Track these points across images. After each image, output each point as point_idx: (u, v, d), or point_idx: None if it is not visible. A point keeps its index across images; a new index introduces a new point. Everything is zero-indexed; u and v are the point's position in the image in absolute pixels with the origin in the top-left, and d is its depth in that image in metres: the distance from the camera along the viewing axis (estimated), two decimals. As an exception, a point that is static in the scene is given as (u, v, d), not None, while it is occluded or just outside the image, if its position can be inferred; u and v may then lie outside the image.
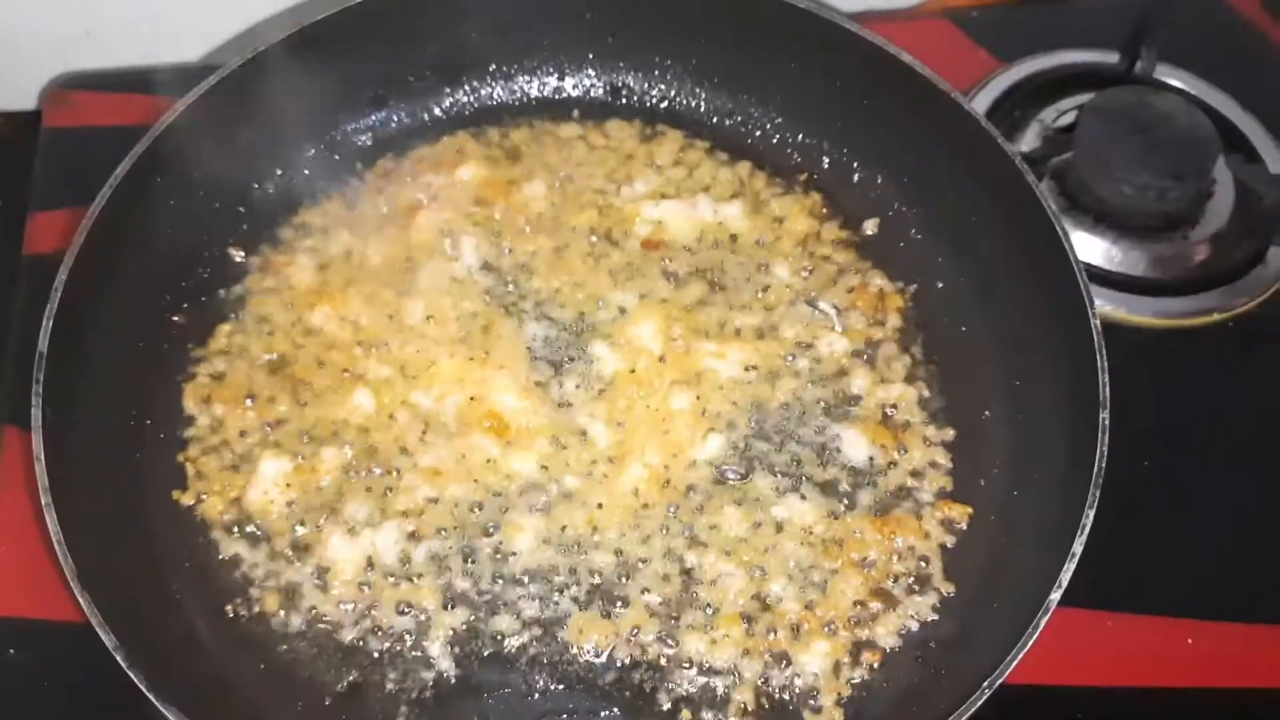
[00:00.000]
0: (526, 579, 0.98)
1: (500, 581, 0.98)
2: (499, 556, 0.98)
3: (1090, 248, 1.23)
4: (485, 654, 0.95)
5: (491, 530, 0.99)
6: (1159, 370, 1.18)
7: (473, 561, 0.98)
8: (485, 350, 1.07)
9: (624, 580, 0.98)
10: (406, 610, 0.96)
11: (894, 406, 1.07)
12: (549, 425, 1.03)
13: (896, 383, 1.08)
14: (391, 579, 0.96)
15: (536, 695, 0.94)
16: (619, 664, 0.95)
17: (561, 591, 0.97)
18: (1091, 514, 0.87)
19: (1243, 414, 1.17)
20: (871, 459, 1.04)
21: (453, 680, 0.94)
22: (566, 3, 1.17)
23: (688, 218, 1.17)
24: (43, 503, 0.86)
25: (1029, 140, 1.30)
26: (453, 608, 0.96)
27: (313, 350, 1.07)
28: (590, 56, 1.22)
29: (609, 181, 1.18)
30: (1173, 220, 1.24)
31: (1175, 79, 1.36)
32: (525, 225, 1.15)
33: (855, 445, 1.05)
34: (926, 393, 1.08)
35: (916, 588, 0.99)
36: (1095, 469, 0.88)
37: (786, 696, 0.94)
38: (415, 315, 1.08)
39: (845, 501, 1.02)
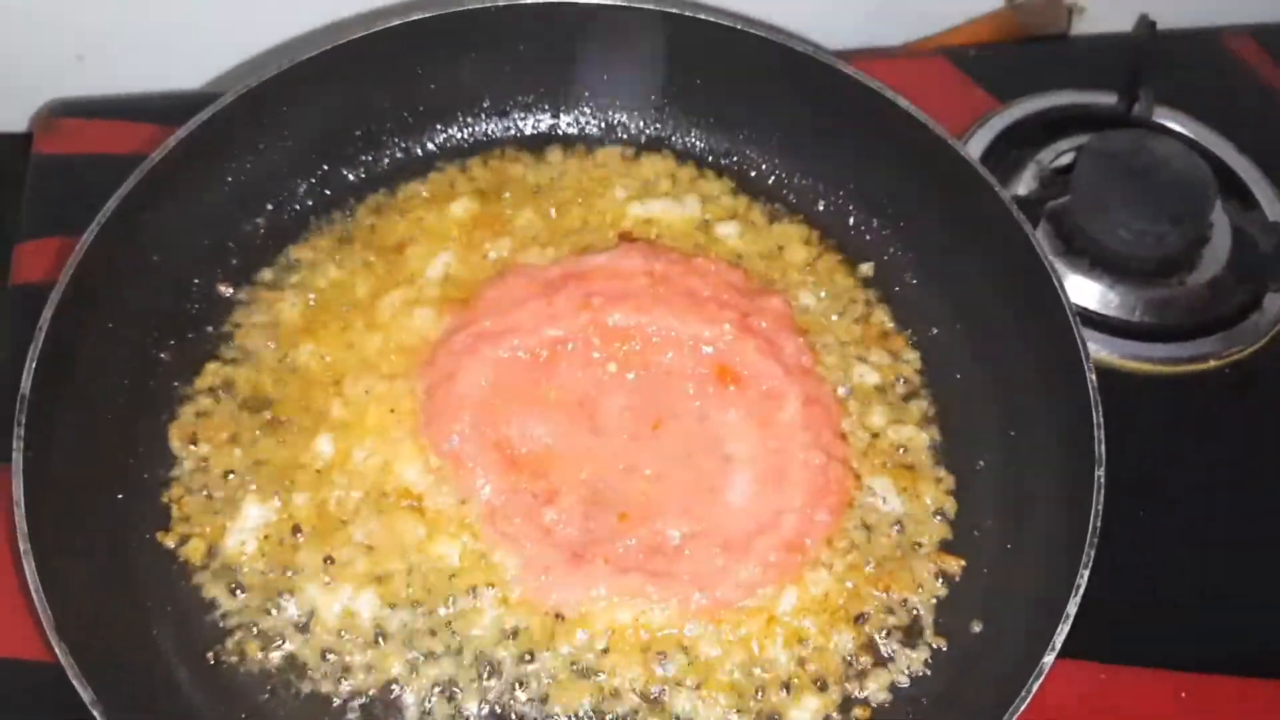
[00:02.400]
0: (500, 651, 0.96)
1: (468, 655, 0.95)
2: (460, 639, 0.96)
3: (1086, 291, 1.23)
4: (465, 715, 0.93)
5: (452, 605, 0.97)
6: (1153, 417, 1.17)
7: (436, 635, 0.96)
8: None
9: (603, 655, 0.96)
10: (374, 672, 0.94)
11: (907, 447, 1.06)
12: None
13: (909, 424, 1.07)
14: (362, 640, 0.95)
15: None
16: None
17: (543, 665, 0.95)
18: (1086, 574, 0.87)
19: (1238, 463, 1.16)
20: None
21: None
22: (561, 43, 1.16)
23: (678, 214, 1.16)
24: (21, 549, 0.85)
25: (1026, 182, 1.29)
26: (422, 674, 0.94)
27: (295, 389, 1.05)
28: (585, 94, 1.21)
29: (596, 194, 1.18)
30: (1169, 265, 1.24)
31: (1174, 122, 1.35)
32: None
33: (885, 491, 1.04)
34: (939, 437, 1.07)
35: (908, 642, 0.97)
36: (1090, 528, 0.88)
37: (776, 750, 0.93)
38: (370, 350, 1.07)
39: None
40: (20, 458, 0.87)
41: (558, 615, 0.96)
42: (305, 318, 1.09)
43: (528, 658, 0.95)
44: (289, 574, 0.96)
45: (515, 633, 0.96)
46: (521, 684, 0.94)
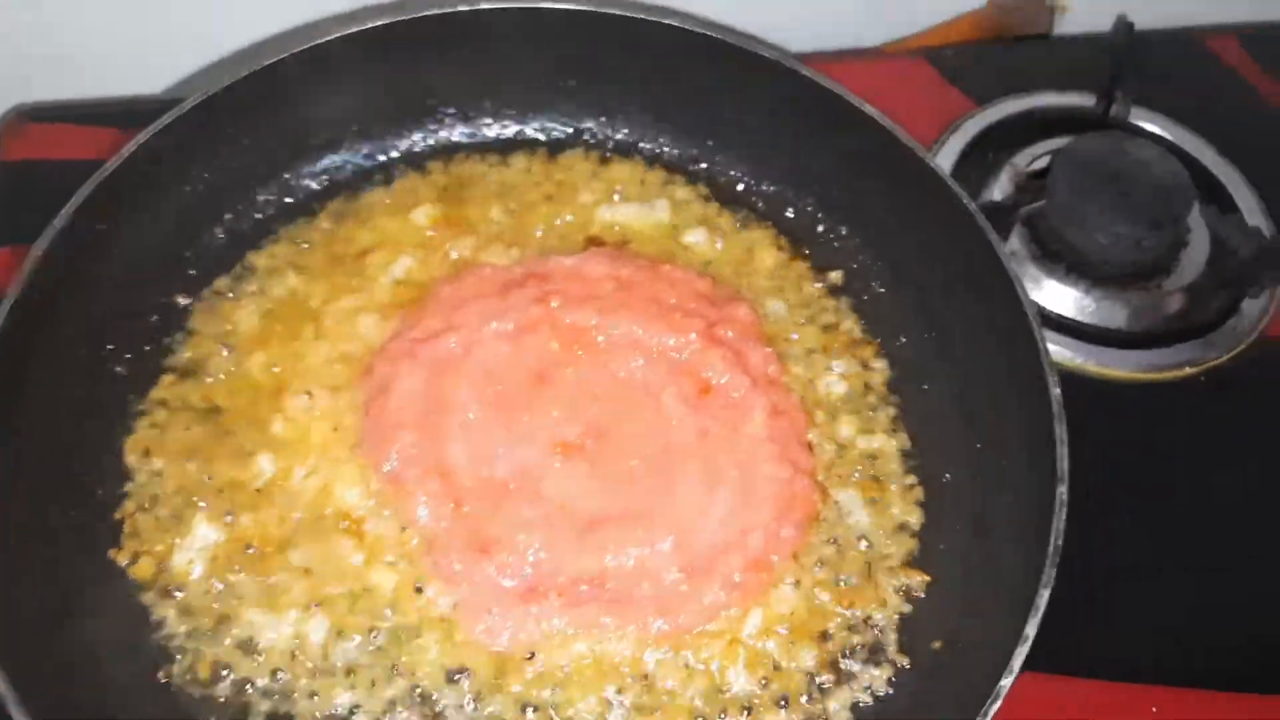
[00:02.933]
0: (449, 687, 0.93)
1: (415, 691, 0.93)
2: (406, 674, 0.93)
3: (1062, 297, 1.21)
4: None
5: (395, 639, 0.94)
6: (1129, 425, 1.16)
7: (382, 668, 0.93)
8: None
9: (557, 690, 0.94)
10: (323, 699, 0.92)
11: (875, 457, 1.04)
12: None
13: (878, 433, 1.06)
14: (311, 665, 0.93)
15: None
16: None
17: (492, 707, 0.93)
18: (1046, 594, 0.85)
19: (1214, 471, 1.14)
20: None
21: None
22: (528, 50, 1.15)
23: (648, 219, 1.15)
24: (-34, 570, 0.84)
25: (1002, 186, 1.28)
26: (371, 703, 0.92)
27: (244, 402, 1.03)
28: (552, 101, 1.20)
29: (564, 198, 1.16)
30: (1146, 270, 1.22)
31: (1152, 124, 1.34)
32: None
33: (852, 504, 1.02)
34: (908, 444, 1.05)
35: (871, 660, 0.96)
36: (1051, 548, 0.86)
37: (736, 769, 0.92)
38: (316, 360, 1.05)
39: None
40: (-33, 471, 0.86)
41: (505, 655, 0.94)
42: (261, 327, 1.07)
43: (473, 703, 0.92)
44: (234, 597, 0.95)
45: (460, 672, 0.93)
46: (469, 724, 0.92)
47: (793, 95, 1.09)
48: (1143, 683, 1.02)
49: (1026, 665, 0.84)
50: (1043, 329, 0.95)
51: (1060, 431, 0.90)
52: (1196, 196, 1.21)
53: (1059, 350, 1.17)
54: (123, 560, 0.96)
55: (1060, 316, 1.20)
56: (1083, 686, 1.02)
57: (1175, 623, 1.06)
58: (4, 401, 0.92)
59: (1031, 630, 0.84)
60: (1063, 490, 0.88)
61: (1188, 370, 1.19)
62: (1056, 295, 1.21)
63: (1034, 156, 1.30)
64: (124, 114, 1.25)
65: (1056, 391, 0.92)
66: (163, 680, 0.92)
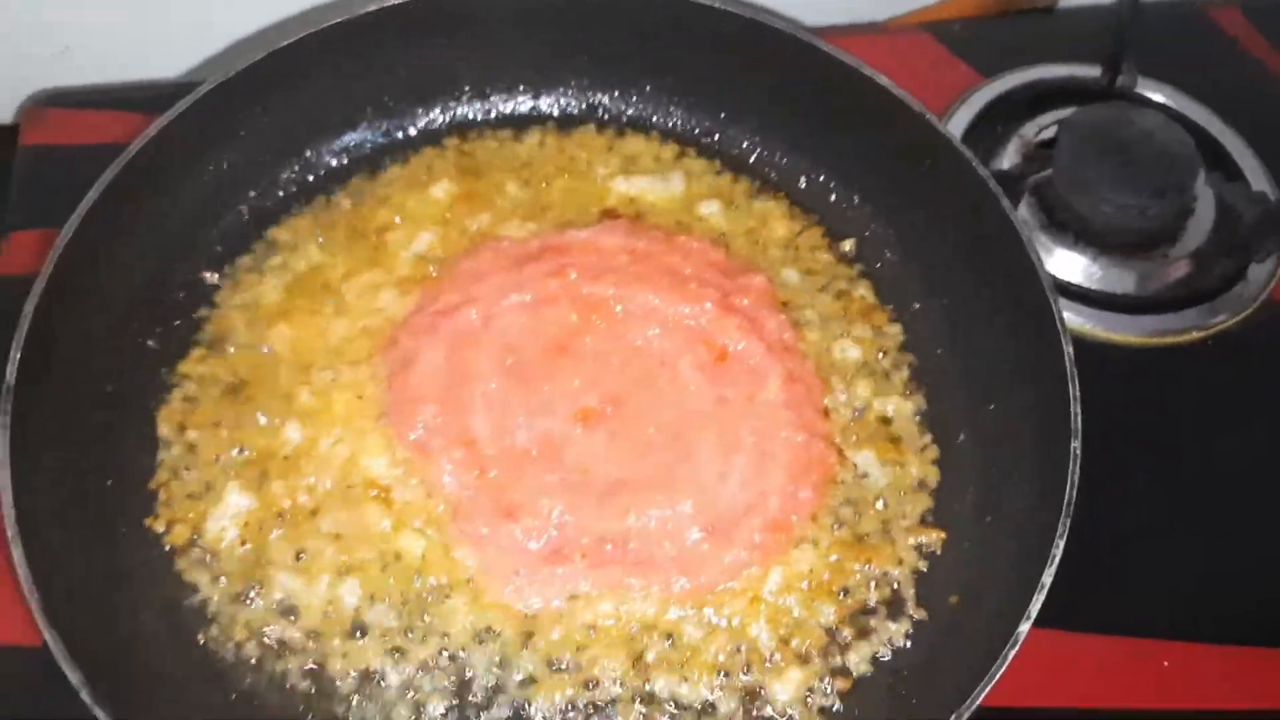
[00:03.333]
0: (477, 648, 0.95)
1: (445, 652, 0.95)
2: (436, 636, 0.95)
3: (1070, 265, 1.23)
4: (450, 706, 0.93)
5: (425, 601, 0.96)
6: (1137, 389, 1.17)
7: (414, 629, 0.96)
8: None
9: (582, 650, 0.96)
10: (355, 659, 0.94)
11: (890, 420, 1.06)
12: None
13: (893, 395, 1.08)
14: (342, 629, 0.95)
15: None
16: (582, 707, 0.94)
17: (520, 666, 0.95)
18: (1061, 544, 0.87)
19: (1221, 434, 1.16)
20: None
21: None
22: (542, 25, 1.16)
23: (662, 191, 1.17)
24: (9, 534, 0.86)
25: (1009, 156, 1.29)
26: (403, 664, 0.94)
27: (267, 374, 1.05)
28: (566, 76, 1.21)
29: (579, 171, 1.18)
30: (1153, 237, 1.24)
31: (1158, 94, 1.35)
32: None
33: (869, 465, 1.04)
34: (924, 406, 1.07)
35: (890, 615, 0.98)
36: (1066, 499, 0.88)
37: (758, 722, 0.94)
38: (338, 335, 1.07)
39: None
40: (6, 445, 0.88)
41: (532, 615, 0.96)
42: (283, 300, 1.09)
43: (500, 663, 0.95)
44: (266, 562, 0.97)
45: (489, 633, 0.95)
46: (500, 684, 0.94)
47: (805, 67, 1.11)
48: (1153, 637, 1.04)
49: (1039, 622, 0.86)
50: (1056, 293, 0.97)
51: (1074, 389, 0.92)
52: (1202, 165, 1.23)
53: (1067, 317, 1.18)
54: (159, 528, 0.99)
55: (1068, 283, 1.22)
56: (1095, 642, 1.04)
57: (1186, 582, 1.08)
58: (39, 377, 0.94)
59: (1048, 579, 0.86)
60: (1076, 445, 0.90)
61: (1195, 335, 1.21)
62: (1065, 263, 1.23)
63: (1041, 127, 1.31)
64: (143, 98, 1.27)
65: (1069, 349, 0.93)
66: (201, 641, 0.94)
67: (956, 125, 1.31)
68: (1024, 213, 1.24)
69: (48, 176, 1.25)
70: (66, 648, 0.81)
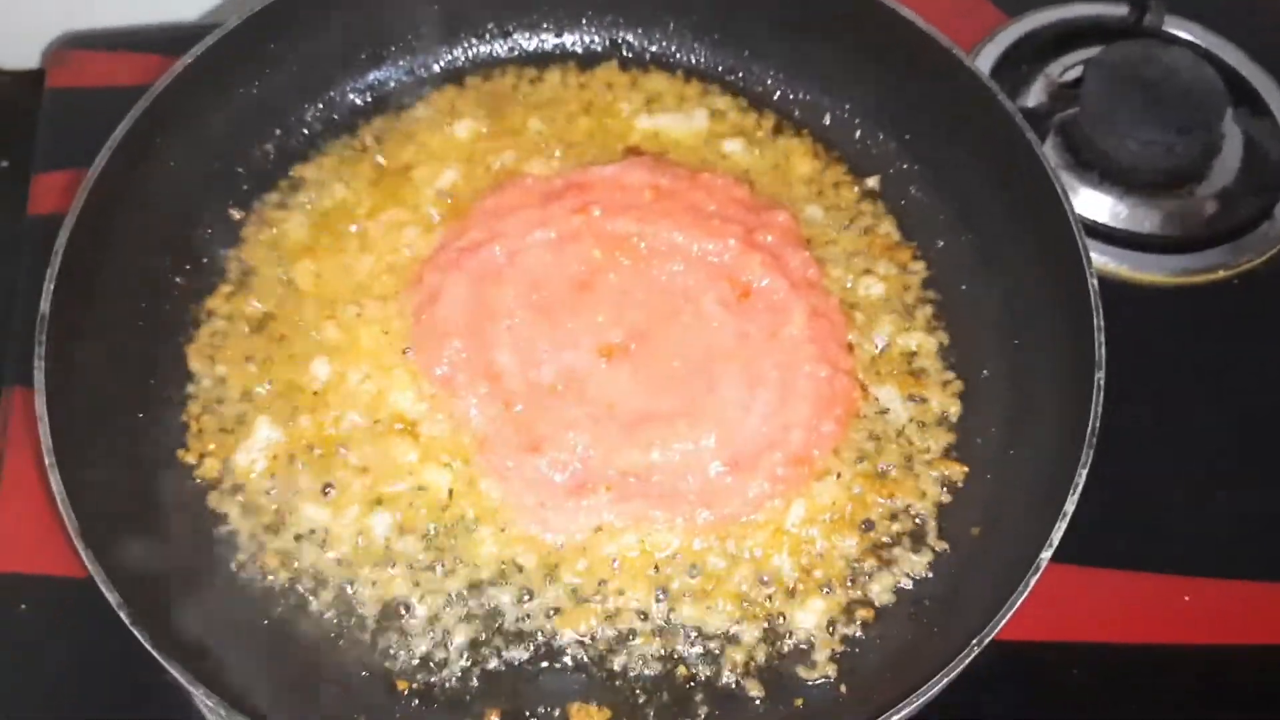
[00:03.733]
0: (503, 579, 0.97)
1: (471, 583, 0.97)
2: (463, 566, 0.97)
3: (1096, 204, 1.22)
4: (477, 636, 0.95)
5: (451, 532, 0.98)
6: (1163, 328, 1.17)
7: (441, 560, 0.97)
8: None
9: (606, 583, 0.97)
10: (383, 588, 0.96)
11: (914, 355, 1.06)
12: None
13: (917, 330, 1.08)
14: (372, 559, 0.96)
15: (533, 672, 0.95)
16: (607, 637, 0.95)
17: (545, 597, 0.96)
18: (1084, 473, 0.87)
19: (1246, 372, 1.16)
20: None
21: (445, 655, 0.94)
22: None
23: (685, 128, 1.16)
24: (46, 462, 0.87)
25: (1035, 95, 1.29)
26: (430, 594, 0.96)
27: (293, 309, 1.06)
28: (589, 12, 1.21)
29: (602, 108, 1.18)
30: (1179, 176, 1.23)
31: (1185, 31, 1.34)
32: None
33: (891, 400, 1.05)
34: (947, 342, 1.07)
35: (912, 547, 0.99)
36: (1090, 428, 0.88)
37: (784, 650, 0.95)
38: (363, 271, 1.07)
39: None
40: (43, 375, 0.90)
41: (557, 548, 0.97)
42: (309, 237, 1.10)
43: (527, 595, 0.96)
44: (295, 493, 0.98)
45: (514, 565, 0.97)
46: (526, 615, 0.95)
47: (831, 3, 1.11)
48: (1175, 573, 1.05)
49: (1061, 558, 0.86)
50: (1080, 225, 0.97)
51: (1098, 319, 0.92)
52: (1229, 102, 1.22)
53: (1093, 256, 1.18)
54: (190, 460, 1.00)
55: (1094, 223, 1.21)
56: (1116, 577, 1.04)
57: (1207, 518, 1.09)
58: (72, 311, 0.95)
59: (1070, 506, 0.86)
60: (1100, 376, 0.90)
61: (1221, 274, 1.20)
62: (1091, 202, 1.22)
63: (1067, 66, 1.30)
64: (165, 40, 1.27)
65: (1094, 282, 0.93)
66: (233, 569, 0.96)
67: (982, 64, 1.30)
68: (1050, 152, 1.23)
69: (74, 119, 1.26)
70: (104, 569, 0.83)
